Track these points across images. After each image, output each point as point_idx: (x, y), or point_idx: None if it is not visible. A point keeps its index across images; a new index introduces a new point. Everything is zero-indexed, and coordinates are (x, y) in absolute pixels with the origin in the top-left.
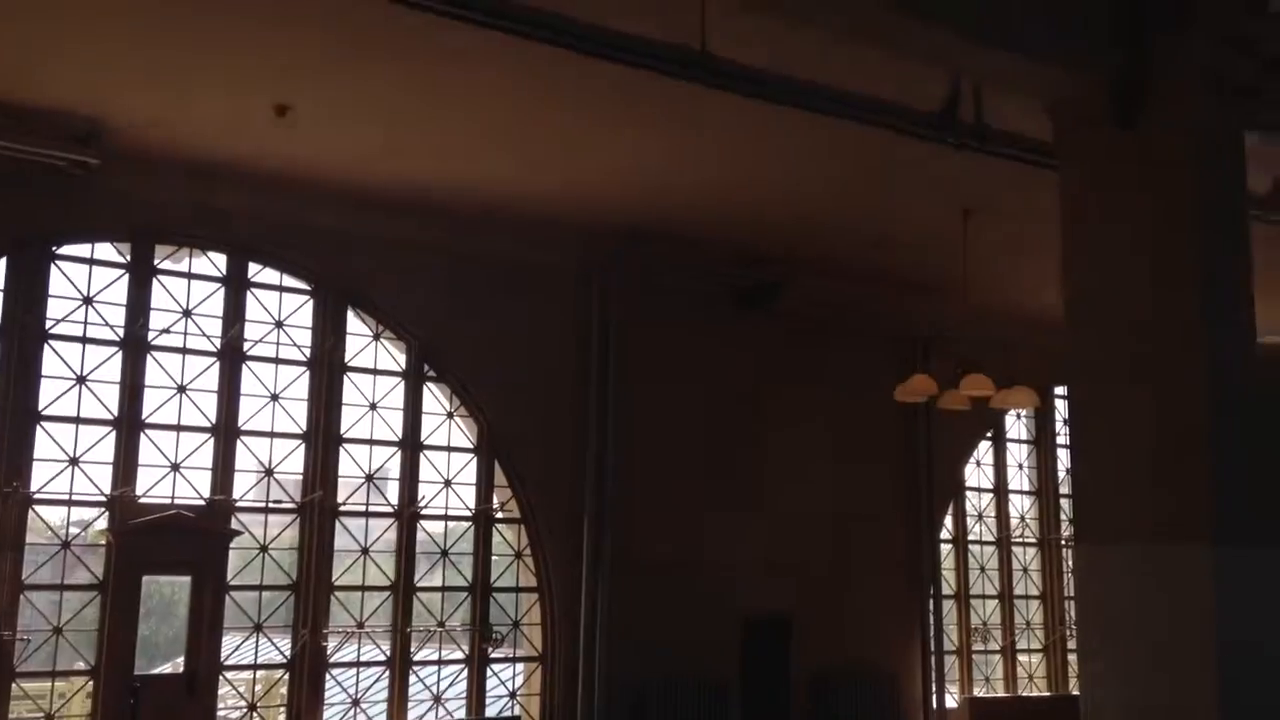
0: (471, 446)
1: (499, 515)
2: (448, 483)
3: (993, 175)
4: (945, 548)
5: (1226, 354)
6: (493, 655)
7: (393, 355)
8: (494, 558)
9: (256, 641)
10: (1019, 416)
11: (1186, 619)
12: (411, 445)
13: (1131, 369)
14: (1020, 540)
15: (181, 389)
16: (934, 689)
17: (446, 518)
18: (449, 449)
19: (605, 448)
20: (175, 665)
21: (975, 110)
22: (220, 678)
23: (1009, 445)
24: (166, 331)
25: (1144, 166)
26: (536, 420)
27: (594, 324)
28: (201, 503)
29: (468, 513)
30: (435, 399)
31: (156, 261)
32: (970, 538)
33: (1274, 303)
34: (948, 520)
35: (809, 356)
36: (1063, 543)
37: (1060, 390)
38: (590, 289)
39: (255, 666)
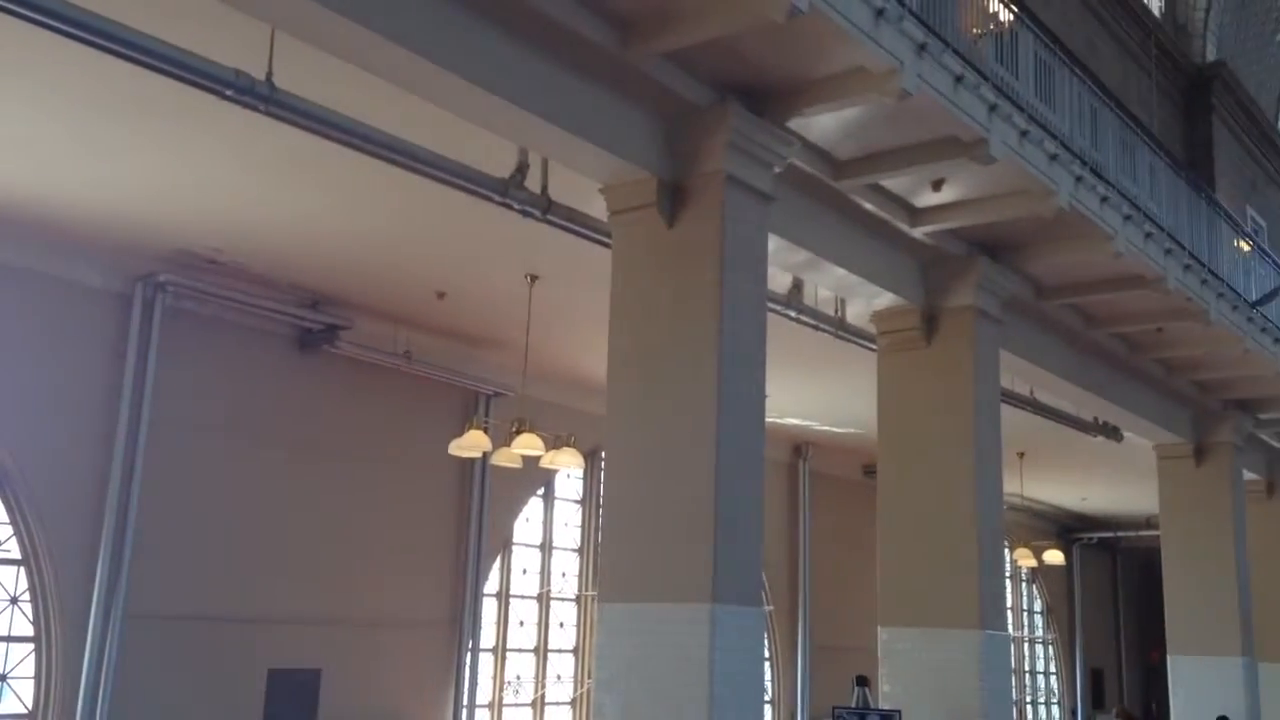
0: None
1: None
2: None
3: (558, 244)
4: (489, 601)
5: (735, 440)
6: None
7: None
8: None
9: None
10: (569, 476)
11: (687, 667)
12: None
13: (657, 445)
14: (560, 596)
15: None
16: None
17: None
18: None
19: (130, 487)
20: None
21: (542, 181)
22: None
23: (558, 503)
24: None
25: (679, 259)
26: (50, 452)
27: (130, 353)
28: None
29: None
30: None
31: None
32: (514, 592)
33: (790, 391)
34: (494, 573)
35: (366, 404)
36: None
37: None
38: (128, 313)
39: None
